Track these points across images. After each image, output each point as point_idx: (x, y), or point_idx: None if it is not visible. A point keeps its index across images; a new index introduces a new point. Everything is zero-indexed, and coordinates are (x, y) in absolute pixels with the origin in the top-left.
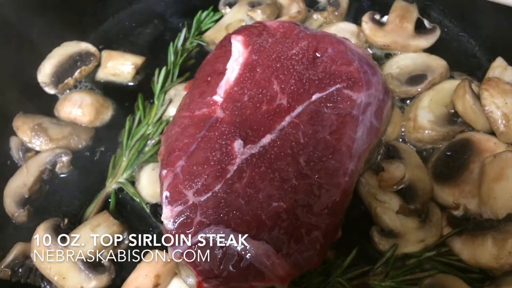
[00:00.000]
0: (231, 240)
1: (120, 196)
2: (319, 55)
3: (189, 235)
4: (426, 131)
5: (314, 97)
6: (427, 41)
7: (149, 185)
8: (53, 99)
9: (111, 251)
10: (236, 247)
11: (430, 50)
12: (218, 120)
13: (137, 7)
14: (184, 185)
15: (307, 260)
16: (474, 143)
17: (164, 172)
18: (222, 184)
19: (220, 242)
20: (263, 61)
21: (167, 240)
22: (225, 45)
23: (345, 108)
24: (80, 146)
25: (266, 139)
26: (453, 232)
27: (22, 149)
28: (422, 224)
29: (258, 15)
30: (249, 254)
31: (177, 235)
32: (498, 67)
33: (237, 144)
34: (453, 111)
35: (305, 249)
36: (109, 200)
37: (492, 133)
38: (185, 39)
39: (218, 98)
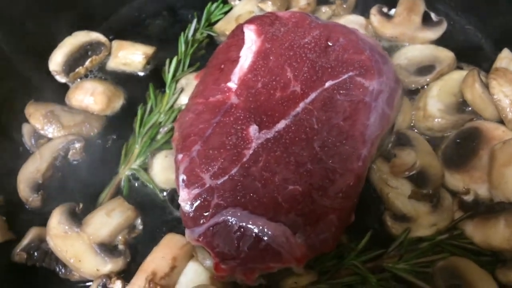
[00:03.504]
0: (249, 222)
1: (132, 182)
2: (331, 44)
3: (207, 217)
4: (436, 120)
5: (327, 84)
6: (434, 33)
7: (162, 171)
8: (64, 87)
9: (126, 235)
10: (254, 228)
11: (437, 42)
12: (233, 106)
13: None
14: (200, 168)
15: (323, 242)
16: (482, 131)
17: (180, 156)
18: (238, 168)
19: (238, 223)
20: (276, 49)
21: (184, 222)
22: (237, 34)
23: (357, 95)
24: (92, 134)
25: (281, 124)
26: (464, 215)
27: (34, 136)
28: (433, 208)
29: (269, 6)
30: (266, 236)
31: (194, 217)
32: (505, 58)
33: (252, 129)
34: (461, 100)
35: (321, 232)
36: (122, 186)
37: (500, 121)
38: (195, 30)
39: (232, 84)
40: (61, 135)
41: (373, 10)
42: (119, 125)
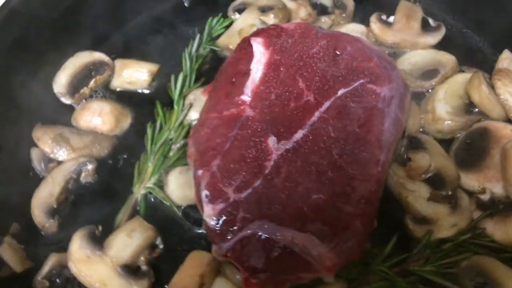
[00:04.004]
0: (277, 233)
1: (148, 201)
2: (339, 53)
3: (234, 232)
4: (446, 122)
5: (339, 92)
6: (434, 38)
7: (177, 188)
8: (70, 109)
9: (147, 255)
10: (283, 240)
11: (437, 47)
12: (249, 118)
13: (146, 17)
14: (223, 183)
15: (350, 249)
16: (491, 131)
17: (200, 172)
18: (261, 180)
19: (266, 236)
20: (285, 60)
21: (211, 238)
22: (244, 47)
23: (370, 102)
24: (102, 155)
25: (299, 134)
26: (484, 214)
27: (44, 160)
28: (452, 209)
29: (271, 19)
30: (296, 246)
31: (221, 233)
32: (505, 59)
33: (271, 140)
34: (468, 101)
35: (348, 239)
36: (138, 205)
37: (506, 120)
38: (198, 45)
39: (246, 97)
40: (71, 158)
41: (373, 18)
42: (129, 144)
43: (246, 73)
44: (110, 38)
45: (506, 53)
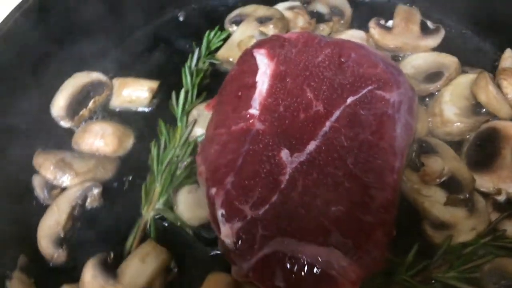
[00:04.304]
0: (299, 250)
1: (158, 223)
2: (344, 60)
3: (254, 251)
4: (455, 124)
5: (348, 100)
6: (434, 40)
7: (188, 208)
8: (69, 132)
9: (162, 280)
10: (305, 256)
11: (438, 49)
12: (259, 132)
13: (141, 33)
14: (239, 200)
15: (374, 261)
16: (500, 131)
17: (214, 190)
18: (277, 195)
19: (288, 253)
20: (291, 71)
21: (230, 259)
22: (247, 60)
23: (380, 108)
24: (106, 178)
25: (311, 146)
26: (502, 216)
27: (46, 187)
28: (470, 213)
29: (271, 30)
30: (319, 262)
31: (241, 253)
32: (508, 58)
33: (284, 153)
34: (474, 102)
35: (371, 250)
36: (148, 228)
37: None
38: (197, 60)
39: (254, 111)
40: (76, 183)
41: (372, 23)
42: (134, 165)
43: (252, 86)
44: (106, 57)
45: (508, 52)
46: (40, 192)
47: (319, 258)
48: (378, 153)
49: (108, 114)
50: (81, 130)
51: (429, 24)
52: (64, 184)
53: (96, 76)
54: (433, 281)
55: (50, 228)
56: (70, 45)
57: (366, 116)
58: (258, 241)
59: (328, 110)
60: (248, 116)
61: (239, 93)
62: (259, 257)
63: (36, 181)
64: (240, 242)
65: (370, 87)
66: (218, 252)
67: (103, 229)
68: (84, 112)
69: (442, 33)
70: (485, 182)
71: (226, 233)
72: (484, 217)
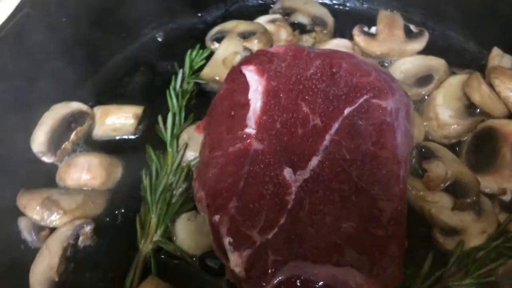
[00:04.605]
0: (314, 272)
1: (158, 256)
2: (336, 71)
3: (268, 278)
4: (452, 127)
5: (345, 111)
6: (419, 44)
7: (188, 237)
8: (52, 168)
9: None
10: (322, 279)
11: (423, 52)
12: (259, 152)
13: (119, 58)
14: (245, 226)
15: (391, 276)
16: (497, 130)
17: (217, 217)
18: (285, 217)
19: (303, 277)
20: (283, 86)
21: None
22: (236, 77)
23: (378, 117)
24: (97, 213)
25: (314, 162)
26: (511, 216)
27: (34, 229)
28: (477, 216)
29: (255, 45)
30: (336, 283)
31: (253, 281)
32: (496, 57)
33: (287, 172)
34: (468, 103)
35: (387, 266)
36: (147, 263)
37: (509, 117)
38: (181, 81)
39: (250, 130)
40: (65, 222)
41: (356, 31)
42: (125, 197)
43: (245, 104)
44: (84, 85)
45: (496, 50)
46: (27, 235)
47: (336, 279)
48: (381, 163)
49: (92, 145)
50: (65, 165)
51: (412, 28)
52: (53, 224)
53: (75, 106)
54: None
55: (43, 273)
56: (46, 76)
57: (365, 126)
58: (270, 267)
59: (326, 123)
60: (244, 136)
61: (232, 113)
62: (273, 285)
63: (22, 224)
64: (252, 271)
65: (365, 96)
66: (227, 280)
67: (99, 268)
68: (67, 145)
69: (426, 36)
70: (488, 183)
71: (236, 262)
72: (493, 218)
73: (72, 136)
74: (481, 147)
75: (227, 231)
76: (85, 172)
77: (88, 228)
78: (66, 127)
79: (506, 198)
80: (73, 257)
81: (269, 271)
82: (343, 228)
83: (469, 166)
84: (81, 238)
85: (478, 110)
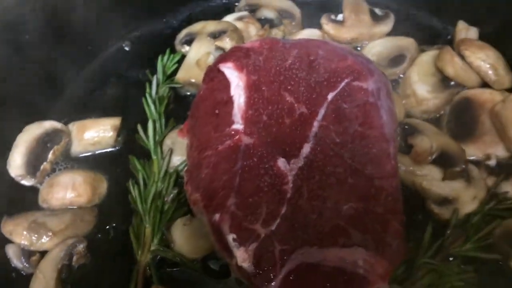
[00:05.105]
0: (323, 256)
1: (158, 265)
2: (313, 59)
3: (277, 269)
4: (430, 101)
5: (329, 97)
6: (387, 26)
7: (186, 242)
8: (33, 191)
9: None
10: (331, 262)
11: (391, 33)
12: (249, 146)
13: (88, 71)
14: (247, 220)
15: (397, 251)
16: (473, 99)
17: (217, 216)
18: (286, 206)
19: (313, 263)
20: (264, 78)
21: (253, 283)
22: (215, 76)
23: (361, 98)
24: (88, 230)
25: (306, 149)
26: (499, 179)
27: (24, 255)
28: (467, 183)
29: (227, 43)
30: (347, 264)
31: (263, 274)
32: (462, 29)
33: (281, 162)
34: (442, 77)
35: (391, 241)
36: (148, 273)
37: (482, 86)
38: (156, 87)
39: (238, 126)
40: (56, 243)
41: (324, 20)
42: (114, 211)
43: (228, 101)
44: (55, 103)
45: (461, 23)
46: (17, 262)
47: (345, 260)
48: (371, 142)
49: (72, 162)
50: (47, 186)
51: (377, 11)
52: (43, 247)
53: (49, 125)
54: (451, 258)
55: None
56: (14, 96)
57: (350, 109)
58: (278, 258)
59: (312, 110)
60: (232, 132)
61: (216, 111)
62: (284, 274)
63: (11, 251)
64: (260, 264)
65: (346, 80)
66: (232, 279)
67: (98, 286)
68: (46, 165)
69: (392, 18)
70: (473, 151)
71: (243, 257)
72: (482, 184)
73: (50, 155)
74: (460, 117)
75: (229, 228)
76: (70, 191)
77: (81, 247)
78: (42, 147)
79: (491, 163)
80: (69, 279)
81: (278, 261)
82: (344, 210)
83: (452, 136)
84: (75, 258)
85: (453, 83)
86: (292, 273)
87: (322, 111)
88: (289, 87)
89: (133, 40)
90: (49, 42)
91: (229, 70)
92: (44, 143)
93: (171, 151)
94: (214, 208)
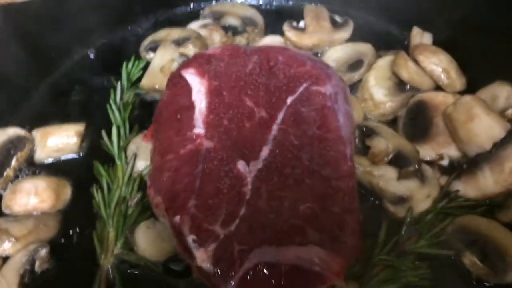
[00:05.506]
0: (280, 255)
1: (121, 268)
2: (273, 64)
3: (236, 268)
4: (387, 104)
5: (288, 101)
6: (346, 32)
7: (150, 245)
8: None
9: None
10: (288, 260)
11: (350, 40)
12: (210, 150)
13: (52, 79)
14: (207, 221)
15: (352, 248)
16: (427, 102)
17: (178, 218)
18: (245, 207)
19: (270, 261)
20: (225, 84)
21: (212, 283)
22: (177, 82)
23: (319, 103)
24: (51, 235)
25: (265, 152)
26: (451, 178)
27: None
28: (421, 182)
29: (191, 50)
30: (303, 262)
31: (222, 273)
32: (416, 35)
33: (241, 165)
34: (397, 81)
35: (347, 239)
36: (111, 277)
37: (436, 89)
38: (121, 93)
39: (199, 130)
40: (18, 249)
41: (286, 27)
42: (78, 216)
43: (190, 106)
44: (18, 110)
45: (415, 29)
46: None
47: (301, 258)
48: (329, 145)
49: (36, 169)
50: (10, 192)
51: (337, 18)
52: (6, 253)
53: (13, 132)
54: (405, 255)
55: None
56: None
57: (308, 112)
58: (237, 258)
59: (271, 114)
60: (194, 136)
61: (178, 116)
62: (242, 273)
63: None
64: (219, 264)
65: (305, 85)
66: (194, 281)
67: None
68: (9, 172)
69: (351, 25)
70: (426, 151)
71: (202, 257)
72: (435, 183)
73: (13, 162)
74: (415, 119)
75: (189, 230)
76: (33, 196)
77: (43, 252)
78: (5, 154)
79: (444, 162)
80: (32, 284)
81: (237, 261)
82: (301, 209)
83: (407, 138)
84: (37, 263)
85: (408, 86)
86: (250, 272)
87: (281, 115)
88: (249, 92)
89: (98, 47)
90: (12, 49)
91: (191, 76)
92: (7, 150)
93: (135, 156)
94: (175, 210)
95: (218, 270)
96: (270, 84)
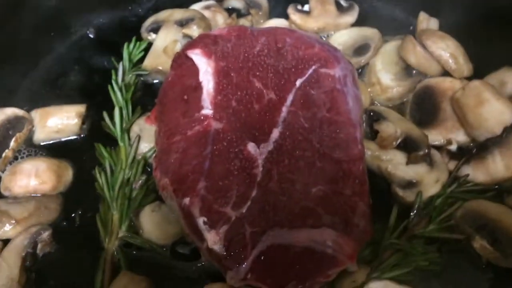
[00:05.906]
0: (293, 238)
1: (126, 251)
2: (281, 46)
3: (248, 251)
4: (394, 89)
5: (297, 83)
6: (352, 16)
7: (155, 228)
8: None
9: None
10: (300, 242)
11: (356, 24)
12: (219, 131)
13: (51, 59)
14: (218, 203)
15: (363, 231)
16: (435, 87)
17: (187, 200)
18: (256, 189)
19: (283, 244)
20: (233, 65)
21: (223, 266)
22: (183, 62)
23: (328, 85)
24: (53, 218)
25: (275, 134)
26: (460, 162)
27: None
28: (430, 167)
29: (195, 31)
30: (316, 245)
31: (234, 256)
32: (423, 20)
33: (251, 146)
34: (405, 66)
35: (359, 221)
36: (116, 260)
37: (443, 74)
38: (123, 74)
39: (207, 111)
40: (19, 231)
41: (290, 10)
42: (80, 198)
43: (198, 87)
44: (16, 90)
45: (422, 15)
46: None
47: (314, 241)
48: (339, 127)
49: (35, 150)
50: (10, 173)
51: (343, 2)
52: (6, 236)
53: (11, 112)
54: (415, 239)
55: (4, 286)
56: None
57: (318, 95)
58: (249, 240)
59: (280, 96)
60: (202, 117)
61: (185, 97)
62: (254, 256)
63: None
64: (231, 246)
65: (314, 67)
66: (202, 264)
67: (64, 274)
68: (7, 153)
69: (356, 9)
70: (435, 136)
71: (214, 239)
72: (444, 167)
73: (12, 143)
74: (423, 104)
75: (200, 212)
76: (33, 178)
77: (45, 235)
78: (4, 134)
79: (452, 147)
80: (34, 267)
81: (248, 243)
82: (313, 192)
83: (415, 123)
84: (39, 246)
85: (415, 71)
86: (263, 254)
87: (290, 97)
88: (257, 73)
89: (98, 27)
90: (10, 28)
91: (197, 57)
92: (5, 130)
93: (138, 138)
94: (184, 192)
95: (230, 252)
96: (278, 66)
